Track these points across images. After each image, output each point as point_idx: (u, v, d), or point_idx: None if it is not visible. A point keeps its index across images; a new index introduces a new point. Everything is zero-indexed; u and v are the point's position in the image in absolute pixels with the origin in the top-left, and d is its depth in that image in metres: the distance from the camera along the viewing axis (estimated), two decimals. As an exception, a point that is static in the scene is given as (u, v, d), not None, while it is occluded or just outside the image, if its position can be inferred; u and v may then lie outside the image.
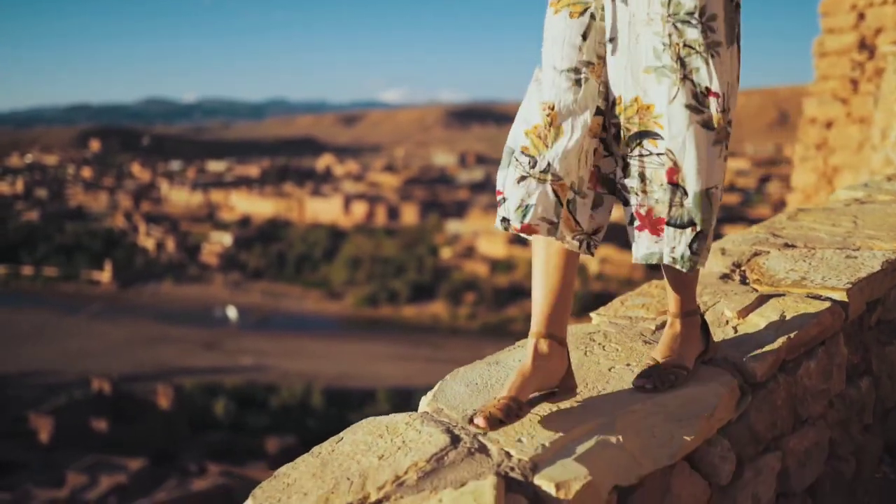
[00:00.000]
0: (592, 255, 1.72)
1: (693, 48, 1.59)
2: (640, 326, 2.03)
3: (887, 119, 5.24)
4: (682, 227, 1.63)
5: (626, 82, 1.63)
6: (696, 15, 1.58)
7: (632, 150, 1.65)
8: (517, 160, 1.65)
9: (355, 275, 76.53)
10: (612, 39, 1.63)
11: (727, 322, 1.98)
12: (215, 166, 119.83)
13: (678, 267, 1.65)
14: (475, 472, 1.45)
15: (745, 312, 1.99)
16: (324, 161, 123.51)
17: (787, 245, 2.47)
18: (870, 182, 3.35)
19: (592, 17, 1.64)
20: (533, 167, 1.63)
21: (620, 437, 1.55)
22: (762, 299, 2.05)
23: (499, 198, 1.67)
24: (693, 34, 1.58)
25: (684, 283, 1.77)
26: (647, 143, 1.63)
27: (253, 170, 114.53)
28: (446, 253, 76.64)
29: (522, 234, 1.65)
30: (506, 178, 1.66)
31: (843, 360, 2.00)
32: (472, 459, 1.50)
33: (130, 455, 37.03)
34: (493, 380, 1.81)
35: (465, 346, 56.99)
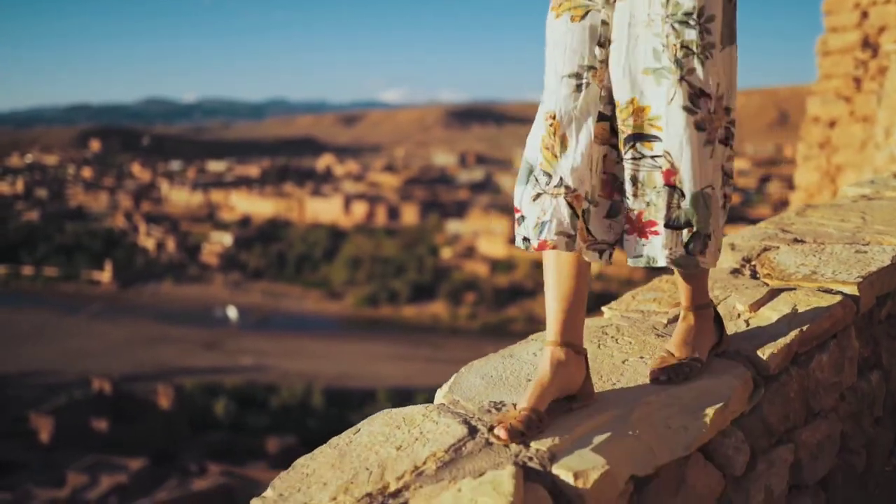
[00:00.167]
0: (609, 263, 1.72)
1: (690, 49, 1.58)
2: (653, 320, 2.04)
3: (891, 117, 5.25)
4: (679, 228, 1.62)
5: (624, 84, 1.62)
6: (695, 16, 1.58)
7: (625, 153, 1.64)
8: (536, 178, 1.65)
9: (355, 275, 76.57)
10: (612, 42, 1.63)
11: (739, 315, 1.99)
12: (215, 166, 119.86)
13: (677, 268, 1.66)
14: (493, 462, 1.46)
15: (756, 306, 2.00)
16: (324, 161, 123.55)
17: (796, 240, 2.49)
18: (876, 179, 3.37)
19: (593, 19, 1.64)
20: (548, 184, 1.63)
21: (636, 429, 1.57)
22: (773, 293, 2.06)
23: (517, 216, 1.67)
24: (691, 35, 1.58)
25: (695, 276, 1.78)
26: (640, 145, 1.62)
27: (253, 170, 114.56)
28: (446, 253, 76.69)
29: (541, 251, 1.66)
30: (522, 196, 1.66)
31: (854, 354, 2.01)
32: (490, 450, 1.51)
33: (131, 455, 37.06)
34: (507, 372, 1.82)
35: (466, 347, 56.98)
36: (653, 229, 1.63)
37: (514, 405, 1.61)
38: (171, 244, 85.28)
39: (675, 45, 1.58)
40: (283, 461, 37.51)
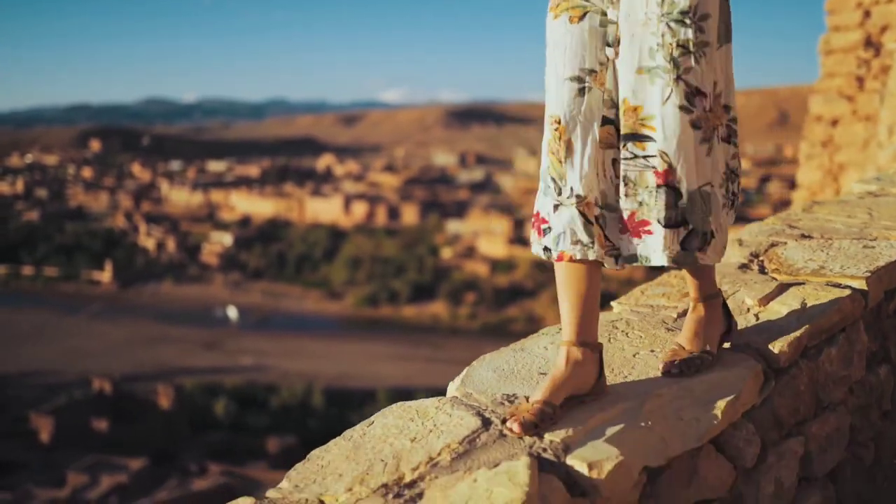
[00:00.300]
0: (622, 267, 1.73)
1: (686, 48, 1.58)
2: (662, 314, 2.05)
3: (894, 116, 5.27)
4: (676, 226, 1.62)
5: (621, 84, 1.62)
6: (690, 14, 1.58)
7: (621, 153, 1.64)
8: (549, 186, 1.67)
9: (355, 275, 76.60)
10: (615, 43, 1.63)
11: (748, 310, 2.00)
12: (215, 166, 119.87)
13: (676, 266, 1.66)
14: (508, 453, 1.47)
15: (765, 300, 2.02)
16: (324, 161, 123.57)
17: (803, 236, 2.50)
18: (882, 176, 3.38)
19: (592, 21, 1.63)
20: (560, 194, 1.65)
21: (649, 420, 1.58)
22: (782, 288, 2.07)
23: (543, 226, 1.68)
24: (687, 34, 1.58)
25: (701, 269, 1.79)
26: (631, 145, 1.61)
27: (253, 170, 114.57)
28: (446, 253, 76.72)
29: (562, 262, 1.66)
30: (543, 205, 1.68)
31: (863, 347, 2.02)
32: (504, 441, 1.52)
33: (131, 455, 37.08)
34: (519, 366, 1.84)
35: (466, 346, 56.97)
36: (646, 229, 1.63)
37: (527, 398, 1.62)
38: (171, 244, 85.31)
39: (671, 43, 1.58)
40: (284, 461, 37.54)
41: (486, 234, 76.68)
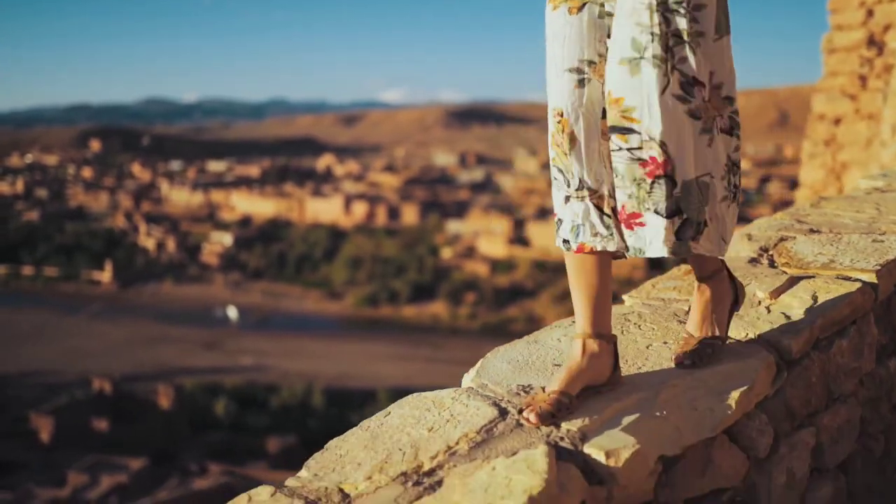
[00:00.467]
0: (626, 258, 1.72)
1: (681, 37, 1.57)
2: (674, 307, 2.07)
3: (897, 114, 5.28)
4: (671, 216, 1.60)
5: (606, 76, 1.61)
6: (685, 4, 1.57)
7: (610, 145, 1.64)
8: (556, 178, 1.68)
9: (356, 275, 76.58)
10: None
11: (759, 302, 2.02)
12: (215, 166, 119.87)
13: (673, 255, 1.64)
14: (525, 442, 1.49)
15: (776, 293, 2.03)
16: (324, 161, 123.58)
17: (812, 231, 2.52)
18: (888, 172, 3.40)
19: (591, 12, 1.62)
20: (569, 186, 1.65)
21: (664, 410, 1.59)
22: (793, 281, 2.09)
23: (556, 219, 1.70)
24: (681, 23, 1.56)
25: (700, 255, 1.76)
26: (615, 137, 1.59)
27: (253, 170, 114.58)
28: (446, 253, 76.70)
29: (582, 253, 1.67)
30: (555, 198, 1.69)
31: (873, 340, 2.04)
32: (521, 430, 1.54)
33: (131, 455, 37.06)
34: (533, 357, 1.85)
35: (466, 347, 56.97)
36: (637, 221, 1.61)
37: (543, 388, 1.63)
38: (171, 244, 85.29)
39: (666, 33, 1.56)
40: (284, 461, 37.54)
41: (487, 234, 76.68)
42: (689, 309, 2.01)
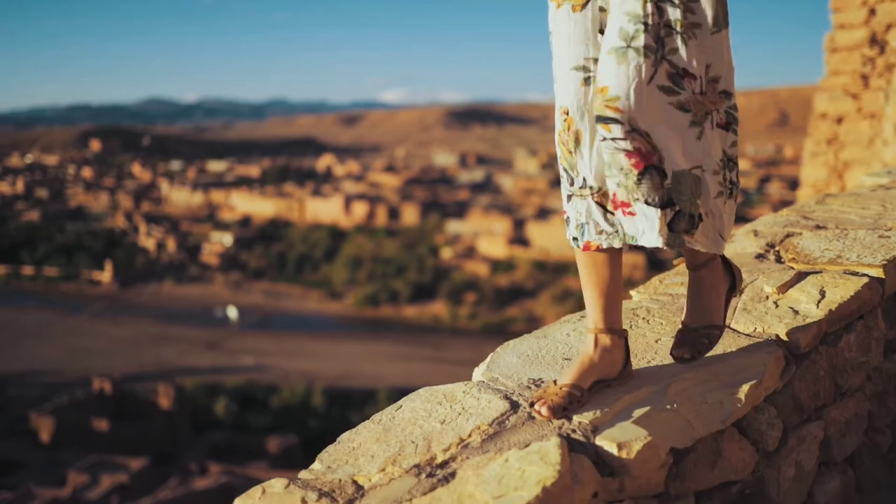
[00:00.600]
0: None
1: (673, 28, 1.55)
2: (682, 302, 2.07)
3: (900, 113, 5.29)
4: (663, 207, 1.57)
5: (598, 67, 1.59)
6: None
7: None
8: (562, 177, 1.68)
9: (356, 275, 76.59)
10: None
11: (767, 297, 2.03)
12: (216, 166, 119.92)
13: (667, 247, 1.61)
14: (538, 434, 1.50)
15: (784, 288, 2.04)
16: (324, 161, 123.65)
17: (818, 227, 2.53)
18: (892, 169, 3.41)
19: (594, 9, 1.61)
20: (572, 184, 1.64)
21: (674, 403, 1.60)
22: (800, 276, 2.10)
23: (565, 217, 1.70)
24: (674, 14, 1.55)
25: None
26: (600, 127, 1.57)
27: (253, 170, 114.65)
28: (447, 253, 76.71)
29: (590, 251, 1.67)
30: (562, 196, 1.69)
31: (880, 335, 2.05)
32: (533, 423, 1.55)
33: (131, 455, 37.04)
34: (543, 351, 1.86)
35: (466, 346, 57.01)
36: (629, 210, 1.60)
37: (555, 382, 1.64)
38: (171, 244, 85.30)
39: (657, 23, 1.54)
40: (285, 461, 37.53)
41: (487, 235, 76.71)
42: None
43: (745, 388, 1.65)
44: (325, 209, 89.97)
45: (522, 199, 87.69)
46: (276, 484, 1.50)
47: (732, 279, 1.82)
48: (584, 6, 1.61)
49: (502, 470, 1.37)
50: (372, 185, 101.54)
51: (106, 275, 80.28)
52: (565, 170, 1.66)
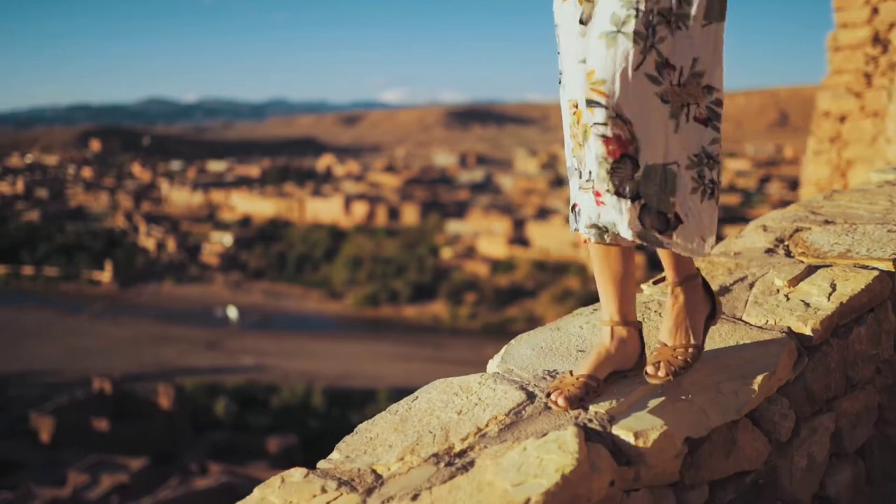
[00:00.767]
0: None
1: (664, 17, 1.53)
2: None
3: (903, 111, 5.30)
4: (633, 199, 1.54)
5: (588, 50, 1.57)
6: None
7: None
8: (572, 172, 1.66)
9: (356, 275, 76.59)
10: None
11: (778, 290, 2.04)
12: (216, 166, 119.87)
13: (640, 241, 1.58)
14: (554, 423, 1.51)
15: (795, 281, 2.06)
16: (324, 161, 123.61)
17: (827, 221, 2.55)
18: (899, 166, 3.43)
19: None
20: (580, 177, 1.62)
21: (689, 393, 1.62)
22: (810, 269, 2.12)
23: (576, 209, 1.65)
24: (666, 3, 1.53)
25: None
26: (586, 110, 1.55)
27: (253, 170, 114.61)
28: (447, 253, 76.71)
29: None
30: (572, 187, 1.66)
31: (891, 328, 2.07)
32: (550, 413, 1.56)
33: (131, 455, 37.05)
34: (556, 343, 1.88)
35: (467, 346, 57.04)
36: (599, 199, 1.56)
37: (570, 372, 1.65)
38: (171, 244, 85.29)
39: (650, 10, 1.52)
40: (285, 461, 37.50)
41: (487, 235, 76.71)
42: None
43: (758, 378, 1.66)
44: (325, 209, 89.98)
45: (522, 200, 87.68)
46: (296, 473, 1.51)
47: (713, 307, 1.76)
48: None
49: (521, 458, 1.39)
50: (372, 185, 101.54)
51: (106, 275, 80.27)
52: (575, 163, 1.65)
